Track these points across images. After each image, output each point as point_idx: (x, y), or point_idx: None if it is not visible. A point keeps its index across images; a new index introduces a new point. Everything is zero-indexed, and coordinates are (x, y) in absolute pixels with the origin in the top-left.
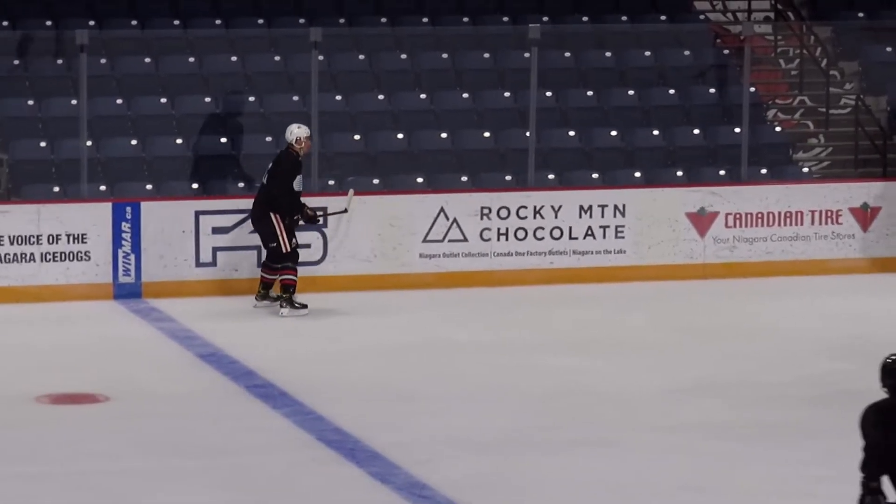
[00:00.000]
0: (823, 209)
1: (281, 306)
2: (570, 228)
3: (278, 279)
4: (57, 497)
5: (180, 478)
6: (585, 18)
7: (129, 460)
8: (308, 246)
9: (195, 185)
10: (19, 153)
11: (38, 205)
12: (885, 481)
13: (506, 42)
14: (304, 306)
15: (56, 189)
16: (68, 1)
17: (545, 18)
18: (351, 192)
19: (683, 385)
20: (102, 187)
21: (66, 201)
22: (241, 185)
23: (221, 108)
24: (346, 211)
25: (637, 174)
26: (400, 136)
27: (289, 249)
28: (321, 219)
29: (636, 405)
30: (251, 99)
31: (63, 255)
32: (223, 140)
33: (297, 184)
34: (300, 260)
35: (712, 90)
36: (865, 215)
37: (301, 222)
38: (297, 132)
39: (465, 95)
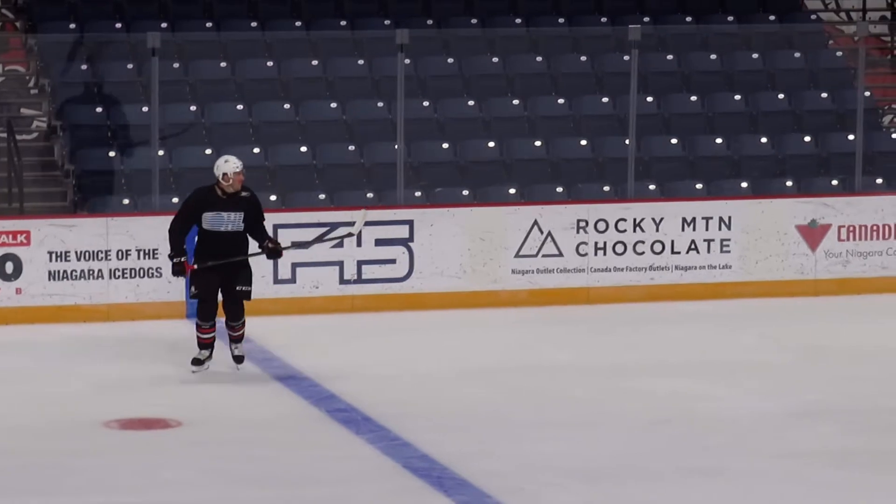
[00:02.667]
0: None
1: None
2: (673, 242)
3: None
4: None
5: None
6: (689, 19)
7: (204, 490)
8: (393, 261)
9: (273, 198)
10: (87, 163)
11: (106, 218)
12: None
13: (604, 44)
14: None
15: (126, 201)
16: (140, 3)
17: (646, 19)
18: (364, 212)
19: (797, 409)
20: (175, 199)
21: (137, 214)
22: (321, 196)
23: (301, 114)
24: (350, 235)
25: (744, 184)
26: (491, 144)
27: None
28: (283, 252)
29: (748, 431)
30: (333, 105)
31: (133, 271)
32: (303, 149)
33: (206, 221)
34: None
35: (824, 95)
36: None
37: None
38: (223, 167)
39: (561, 101)
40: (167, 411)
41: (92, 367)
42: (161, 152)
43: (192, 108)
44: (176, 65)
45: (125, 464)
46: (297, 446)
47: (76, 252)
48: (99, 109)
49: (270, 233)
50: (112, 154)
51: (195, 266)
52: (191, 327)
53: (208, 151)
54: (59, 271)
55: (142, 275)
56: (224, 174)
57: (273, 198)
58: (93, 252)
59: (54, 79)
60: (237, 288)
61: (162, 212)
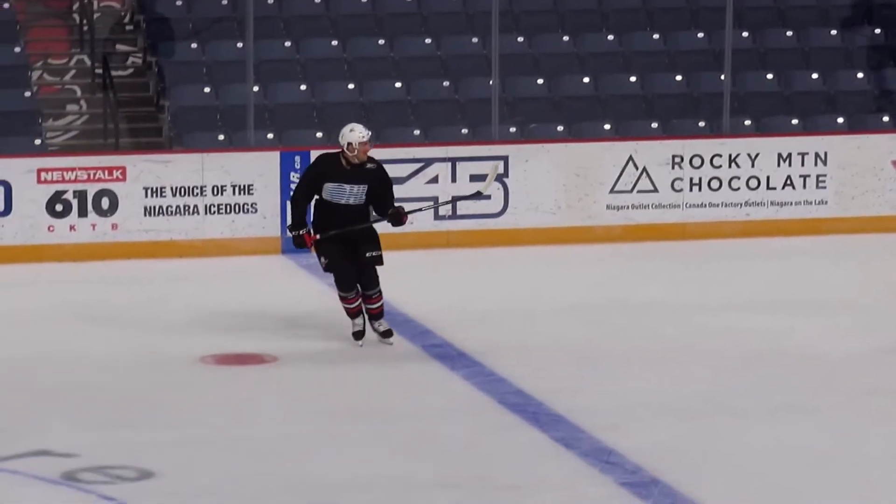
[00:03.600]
0: None
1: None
2: (768, 178)
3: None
4: (223, 462)
5: (355, 443)
6: None
7: (299, 424)
8: (488, 197)
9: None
10: (182, 100)
11: (201, 154)
12: None
13: None
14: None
15: (221, 137)
16: None
17: None
18: (495, 165)
19: (891, 346)
20: (270, 135)
21: (232, 150)
22: (416, 132)
23: (395, 50)
24: (480, 195)
25: (840, 120)
26: (586, 79)
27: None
28: (407, 217)
29: (840, 368)
30: (427, 41)
31: (228, 207)
32: (398, 85)
33: (326, 192)
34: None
35: None
36: None
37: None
38: (348, 136)
39: (656, 36)
40: (262, 347)
41: (187, 302)
42: (256, 88)
43: (287, 44)
44: (270, 1)
45: (220, 398)
46: (392, 382)
47: (171, 188)
48: (194, 46)
49: None
50: (207, 90)
51: (317, 237)
52: (286, 262)
53: (303, 87)
54: (154, 207)
55: (237, 210)
56: (349, 143)
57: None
58: (188, 188)
59: (148, 15)
60: (367, 254)
61: (257, 147)
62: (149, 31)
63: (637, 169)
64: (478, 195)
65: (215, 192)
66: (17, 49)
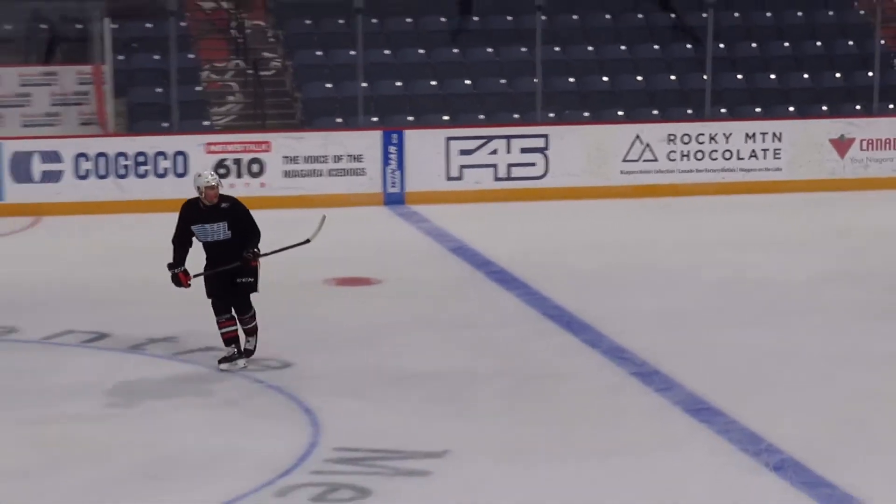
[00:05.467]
0: None
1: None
2: (738, 151)
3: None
4: (341, 355)
5: (434, 344)
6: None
7: (394, 328)
8: (534, 164)
9: (446, 117)
10: (311, 93)
11: (325, 132)
12: None
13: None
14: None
15: (339, 120)
16: None
17: None
18: (323, 216)
19: (828, 275)
20: (375, 119)
21: (347, 129)
22: (480, 116)
23: (465, 56)
24: (308, 241)
25: (791, 108)
26: (605, 79)
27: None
28: (255, 260)
29: (791, 291)
30: (489, 50)
31: (345, 171)
32: (467, 82)
33: (195, 233)
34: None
35: (851, 42)
36: None
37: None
38: (197, 181)
39: (656, 47)
40: (369, 272)
41: (316, 240)
42: (364, 84)
43: (386, 51)
44: (374, 20)
45: (340, 309)
46: (463, 298)
47: (304, 157)
48: (319, 53)
49: (445, 144)
50: (328, 85)
51: (191, 276)
52: (387, 211)
53: (398, 83)
54: (291, 171)
55: (351, 174)
56: (198, 188)
57: (446, 117)
58: (315, 156)
59: (286, 30)
60: (237, 280)
61: (365, 127)
62: (286, 42)
63: (642, 144)
64: (307, 241)
65: (335, 160)
66: (191, 56)
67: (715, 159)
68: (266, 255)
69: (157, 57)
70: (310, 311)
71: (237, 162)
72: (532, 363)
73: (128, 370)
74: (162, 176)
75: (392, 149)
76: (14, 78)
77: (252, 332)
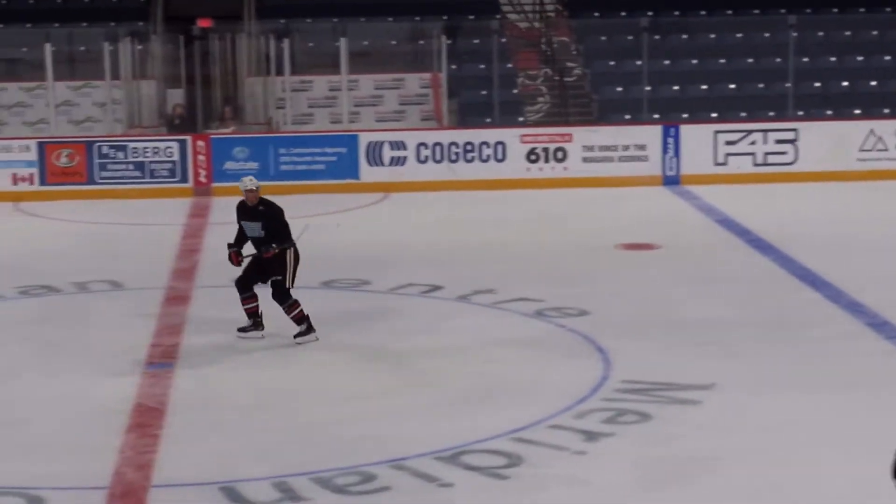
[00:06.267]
0: None
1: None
2: None
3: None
4: (635, 301)
5: (703, 296)
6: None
7: (672, 283)
8: (785, 153)
9: (714, 114)
10: (605, 95)
11: (616, 127)
12: None
13: None
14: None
15: (627, 117)
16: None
17: None
18: (305, 225)
19: None
20: (655, 116)
21: (634, 124)
22: (743, 114)
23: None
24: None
25: None
26: (845, 83)
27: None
28: (270, 254)
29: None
30: (750, 61)
31: (631, 157)
32: (731, 86)
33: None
34: None
35: None
36: None
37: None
38: (240, 185)
39: (888, 57)
40: (651, 238)
41: (605, 211)
42: (648, 88)
43: (666, 62)
44: (657, 36)
45: (632, 270)
46: (725, 261)
47: (598, 146)
48: (611, 62)
49: (713, 136)
50: (619, 89)
51: (242, 257)
52: (666, 191)
53: (675, 87)
54: (588, 157)
55: (636, 160)
56: (242, 191)
57: (714, 114)
58: (608, 146)
59: (585, 44)
60: (271, 279)
61: (648, 123)
62: (585, 54)
63: (875, 137)
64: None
65: (623, 149)
66: (509, 65)
67: None
68: (276, 250)
69: (482, 66)
70: (603, 270)
71: (545, 150)
72: (783, 313)
73: (456, 316)
74: (485, 161)
75: (670, 140)
76: (370, 83)
77: (299, 321)
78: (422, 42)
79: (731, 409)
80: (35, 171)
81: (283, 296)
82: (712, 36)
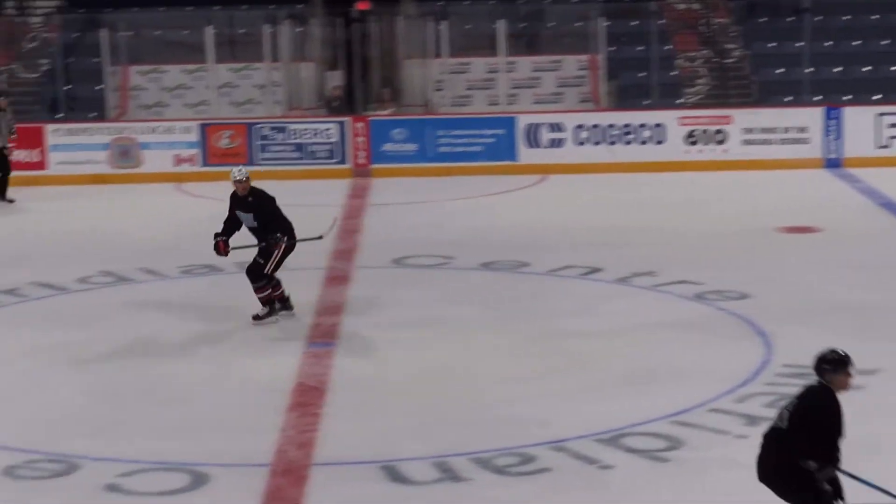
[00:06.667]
0: None
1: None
2: None
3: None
4: (796, 284)
5: (861, 281)
6: None
7: (831, 267)
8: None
9: (878, 96)
10: (766, 77)
11: (777, 109)
12: None
13: None
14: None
15: (788, 99)
16: None
17: None
18: (334, 219)
19: None
20: (817, 98)
21: (795, 106)
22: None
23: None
24: (321, 237)
25: None
26: None
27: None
28: (276, 246)
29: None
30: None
31: (792, 140)
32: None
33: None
34: None
35: None
36: None
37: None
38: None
39: None
40: (813, 221)
41: (763, 192)
42: (810, 69)
43: (827, 43)
44: (818, 17)
45: (792, 253)
46: (889, 246)
47: (759, 128)
48: (772, 44)
49: (874, 118)
50: (779, 70)
51: (230, 247)
52: (826, 174)
53: (837, 69)
54: (748, 140)
55: (797, 142)
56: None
57: (878, 96)
58: (769, 128)
59: (745, 26)
60: (254, 259)
61: (809, 105)
62: (745, 35)
63: None
64: (319, 237)
65: (784, 132)
66: (668, 47)
67: None
68: (288, 243)
69: (640, 48)
70: (763, 253)
71: (705, 132)
72: None
73: (615, 298)
74: (644, 143)
75: (832, 122)
76: (528, 65)
77: (262, 301)
78: (580, 24)
79: (894, 395)
80: (196, 152)
81: (256, 276)
82: (876, 16)
